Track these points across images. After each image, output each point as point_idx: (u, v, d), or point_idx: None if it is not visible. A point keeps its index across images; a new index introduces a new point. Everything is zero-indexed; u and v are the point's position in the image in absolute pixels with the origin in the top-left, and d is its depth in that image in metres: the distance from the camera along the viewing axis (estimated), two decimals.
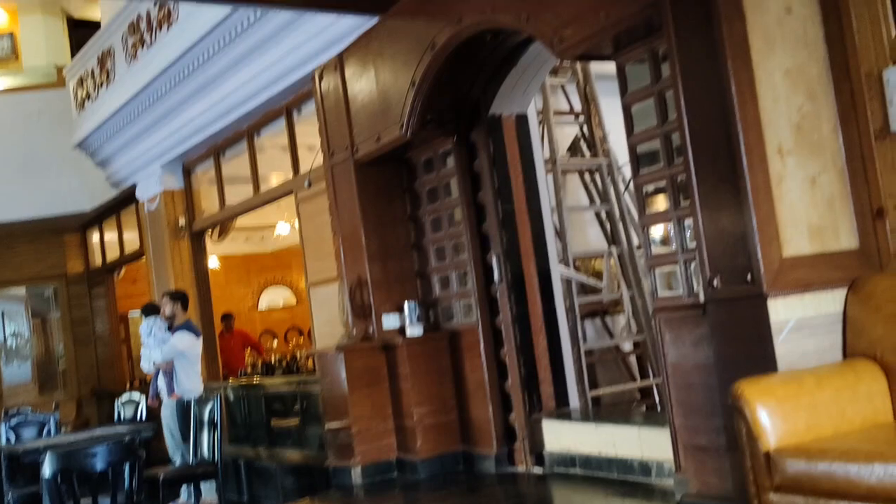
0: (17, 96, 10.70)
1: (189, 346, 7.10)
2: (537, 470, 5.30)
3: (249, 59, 6.82)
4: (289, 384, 7.38)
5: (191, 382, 7.10)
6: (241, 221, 9.25)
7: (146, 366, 7.32)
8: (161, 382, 7.09)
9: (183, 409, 6.90)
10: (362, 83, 5.74)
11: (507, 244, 5.52)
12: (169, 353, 7.06)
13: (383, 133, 5.57)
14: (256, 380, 8.08)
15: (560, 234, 6.42)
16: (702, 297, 3.64)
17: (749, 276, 3.32)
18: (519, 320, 5.50)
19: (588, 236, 6.96)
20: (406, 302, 5.83)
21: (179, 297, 7.41)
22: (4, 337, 11.46)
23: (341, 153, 6.02)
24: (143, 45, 8.12)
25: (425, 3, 5.08)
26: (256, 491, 7.39)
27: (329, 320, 6.67)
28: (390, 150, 5.70)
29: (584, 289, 6.62)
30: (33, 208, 10.25)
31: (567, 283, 6.20)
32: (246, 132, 7.82)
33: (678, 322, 3.85)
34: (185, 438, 6.80)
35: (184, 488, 6.87)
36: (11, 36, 12.30)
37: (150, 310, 7.44)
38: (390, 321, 5.86)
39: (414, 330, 5.74)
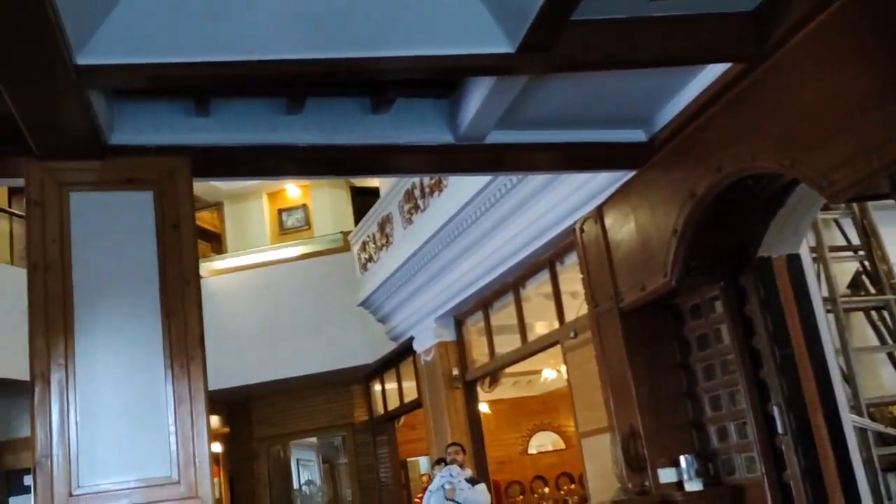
0: (309, 262, 11.93)
1: (487, 500, 7.69)
2: None
3: (513, 218, 7.19)
4: None
5: None
6: (510, 368, 9.48)
7: None
8: None
9: None
10: (623, 233, 5.83)
11: (788, 392, 5.21)
12: (486, 499, 7.64)
13: (647, 281, 5.57)
14: None
15: (848, 378, 5.95)
16: None
17: None
18: (809, 475, 5.10)
19: (881, 379, 6.37)
20: (683, 456, 5.62)
21: (464, 449, 8.18)
22: (300, 485, 12.35)
23: (605, 303, 6.08)
24: (417, 211, 8.84)
25: (681, 156, 5.14)
26: None
27: (602, 472, 6.56)
28: (655, 298, 5.67)
29: (883, 439, 6.01)
30: (324, 362, 11.19)
31: (861, 432, 5.68)
32: (512, 285, 8.15)
33: None
34: None
35: None
36: (305, 208, 13.89)
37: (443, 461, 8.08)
38: (667, 475, 5.66)
39: (693, 485, 5.50)
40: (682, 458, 5.60)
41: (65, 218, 4.36)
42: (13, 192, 10.79)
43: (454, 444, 8.24)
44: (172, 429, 4.31)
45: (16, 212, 10.48)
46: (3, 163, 4.47)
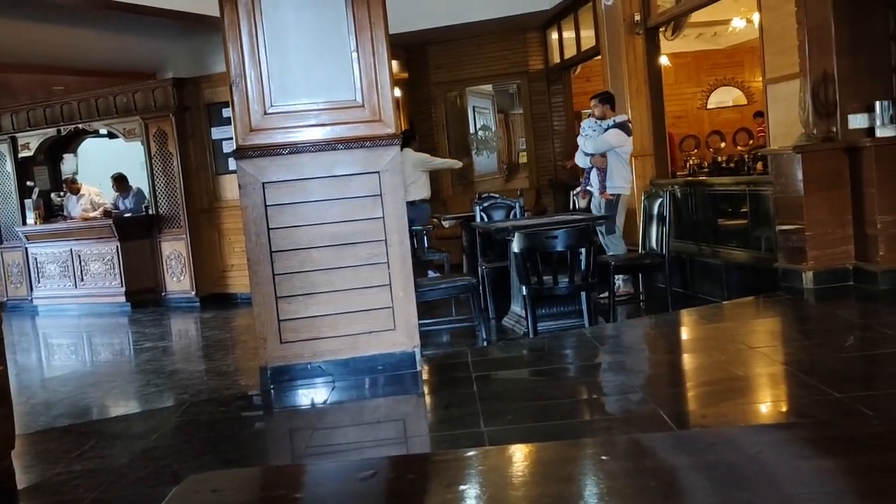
0: None
1: (619, 142, 7.50)
2: None
3: None
4: (738, 184, 7.25)
5: (621, 180, 7.58)
6: (696, 16, 8.93)
7: (580, 161, 7.83)
8: (594, 179, 7.61)
9: (613, 206, 7.51)
10: None
11: None
12: (600, 145, 7.50)
13: None
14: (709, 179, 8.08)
15: None
16: None
17: None
18: None
19: None
20: (878, 102, 5.28)
21: (608, 99, 7.87)
22: (475, 130, 12.73)
23: None
24: None
25: None
26: (700, 286, 7.55)
27: (785, 120, 6.31)
28: None
29: None
30: (501, 7, 10.89)
31: None
32: None
33: None
34: (614, 231, 7.48)
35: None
36: None
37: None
38: (857, 121, 5.39)
39: (886, 131, 5.22)
40: (877, 104, 5.27)
41: None
42: None
43: (594, 95, 8.05)
44: (355, 55, 4.43)
45: None
46: None
